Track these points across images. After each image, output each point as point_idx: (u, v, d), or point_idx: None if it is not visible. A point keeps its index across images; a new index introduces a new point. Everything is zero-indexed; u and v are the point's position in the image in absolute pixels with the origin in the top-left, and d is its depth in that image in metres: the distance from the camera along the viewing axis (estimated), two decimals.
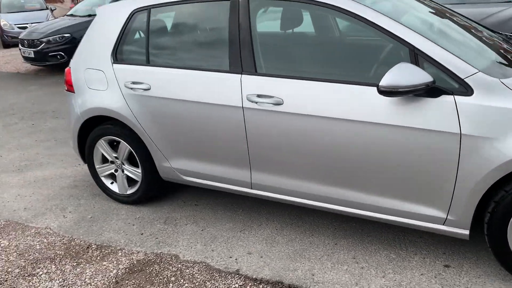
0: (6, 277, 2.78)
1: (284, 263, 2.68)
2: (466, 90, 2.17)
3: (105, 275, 2.72)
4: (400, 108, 2.27)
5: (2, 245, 3.13)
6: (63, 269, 2.82)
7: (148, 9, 3.13)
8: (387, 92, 2.16)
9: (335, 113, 2.43)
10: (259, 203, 3.38)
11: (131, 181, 3.47)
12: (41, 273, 2.80)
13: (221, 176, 2.98)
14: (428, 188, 2.33)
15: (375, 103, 2.33)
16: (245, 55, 2.71)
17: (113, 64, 3.22)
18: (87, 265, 2.84)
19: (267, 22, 2.86)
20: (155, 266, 2.77)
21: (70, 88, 3.48)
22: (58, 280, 2.71)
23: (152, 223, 3.25)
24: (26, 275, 2.79)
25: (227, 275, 2.63)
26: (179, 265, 2.75)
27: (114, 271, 2.75)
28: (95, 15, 9.44)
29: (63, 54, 9.07)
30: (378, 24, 2.35)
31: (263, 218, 3.18)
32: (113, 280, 2.67)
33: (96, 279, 2.69)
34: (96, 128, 3.39)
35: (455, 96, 2.18)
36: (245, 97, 2.68)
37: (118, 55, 3.23)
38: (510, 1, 5.28)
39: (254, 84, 2.66)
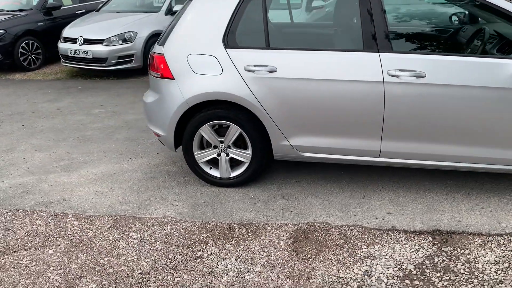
0: (173, 263, 2.72)
1: (427, 216, 3.08)
2: None
3: (276, 247, 2.83)
4: None
5: (134, 237, 2.99)
6: (225, 248, 2.84)
7: None
8: None
9: (475, 81, 2.91)
10: (356, 173, 3.71)
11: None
12: (206, 254, 2.79)
13: (348, 148, 3.26)
14: None
15: (507, 72, 2.87)
16: (380, 36, 3.05)
17: (227, 49, 3.28)
18: (246, 241, 2.90)
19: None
20: (315, 233, 2.96)
21: (167, 75, 3.41)
22: (232, 257, 2.75)
23: (273, 200, 3.38)
24: (192, 258, 2.76)
25: (387, 231, 2.95)
26: (338, 230, 2.98)
27: (282, 242, 2.87)
28: (29, 9, 8.65)
29: None
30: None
31: (371, 185, 3.53)
32: (288, 249, 2.80)
33: (270, 251, 2.79)
34: (200, 114, 3.39)
35: None
36: (386, 72, 3.02)
37: (229, 40, 3.29)
38: None
39: (394, 60, 3.02)
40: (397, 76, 3.00)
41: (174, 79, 3.39)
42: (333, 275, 2.57)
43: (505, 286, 2.43)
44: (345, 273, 2.58)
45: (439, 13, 3.95)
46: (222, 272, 2.63)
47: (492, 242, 2.80)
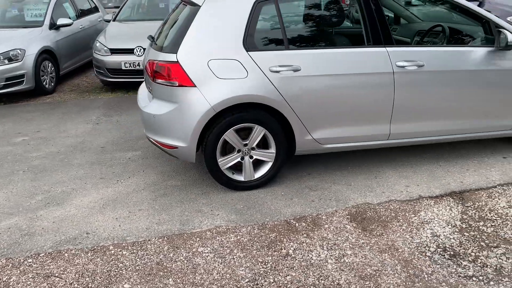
0: (269, 265, 2.70)
1: (436, 183, 3.63)
2: None
3: (347, 230, 3.02)
4: (497, 58, 3.64)
5: (206, 251, 2.83)
6: (302, 241, 2.92)
7: None
8: (511, 46, 3.51)
9: (462, 66, 3.58)
10: (352, 159, 4.09)
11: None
12: (290, 251, 2.83)
13: (362, 135, 3.62)
14: (506, 105, 3.77)
15: (482, 56, 3.61)
16: (385, 33, 3.50)
17: (249, 52, 3.32)
18: (315, 232, 3.02)
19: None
20: (367, 213, 3.24)
21: (187, 83, 3.28)
22: (316, 247, 2.85)
23: (304, 193, 3.54)
24: (282, 257, 2.78)
25: (417, 200, 3.40)
26: (381, 206, 3.32)
27: (348, 226, 3.08)
28: None
29: None
30: (476, 10, 3.65)
31: (373, 167, 3.96)
32: (359, 230, 3.03)
33: (345, 235, 2.97)
34: (226, 119, 3.35)
35: None
36: (394, 64, 3.48)
37: (249, 43, 3.34)
38: None
39: (398, 53, 3.50)
40: (403, 67, 3.49)
41: (195, 86, 3.28)
42: (411, 242, 2.90)
43: None
44: (419, 238, 2.94)
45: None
46: (321, 261, 2.72)
47: (493, 193, 3.48)
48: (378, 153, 4.21)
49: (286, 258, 2.77)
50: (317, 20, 3.63)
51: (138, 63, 6.71)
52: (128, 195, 3.59)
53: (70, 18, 7.93)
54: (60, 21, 7.46)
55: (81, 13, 8.58)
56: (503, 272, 2.60)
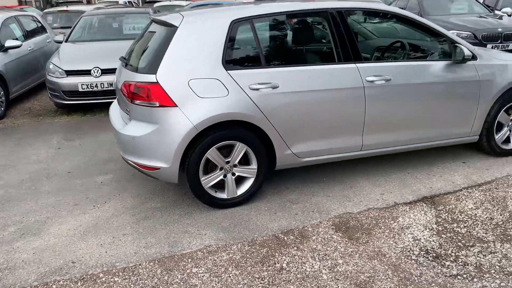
0: (266, 280, 2.73)
1: (408, 190, 3.83)
2: (475, 57, 4.04)
3: (334, 240, 3.13)
4: (454, 70, 3.94)
5: (201, 272, 2.82)
6: (293, 254, 2.99)
7: (250, 19, 3.50)
8: (467, 59, 3.80)
9: (425, 79, 3.83)
10: (325, 171, 4.22)
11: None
12: (284, 264, 2.89)
13: (338, 147, 3.76)
14: (463, 114, 4.07)
15: (441, 69, 3.89)
16: (354, 50, 3.69)
17: (228, 71, 3.38)
18: (304, 244, 3.10)
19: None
20: (350, 222, 3.36)
21: (168, 103, 3.28)
22: (308, 259, 2.93)
23: (286, 207, 3.61)
24: (277, 271, 2.82)
25: (393, 207, 3.57)
26: (362, 215, 3.45)
27: (335, 236, 3.18)
28: None
29: None
30: (434, 27, 3.94)
31: (347, 178, 4.11)
32: (345, 240, 3.14)
33: (333, 245, 3.07)
34: (208, 138, 3.37)
35: (473, 61, 4.02)
36: (364, 79, 3.67)
37: (228, 63, 3.41)
38: None
39: (368, 69, 3.69)
40: (372, 81, 3.69)
41: (176, 106, 3.29)
42: (396, 247, 3.05)
43: (496, 219, 3.35)
44: (402, 243, 3.09)
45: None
46: (315, 273, 2.80)
47: (460, 196, 3.73)
48: (349, 164, 4.38)
49: (281, 272, 2.82)
50: (292, 39, 3.77)
51: (96, 84, 6.55)
52: (108, 220, 3.50)
53: (17, 39, 7.62)
54: (9, 43, 7.15)
55: (29, 34, 8.28)
56: (483, 269, 2.80)
